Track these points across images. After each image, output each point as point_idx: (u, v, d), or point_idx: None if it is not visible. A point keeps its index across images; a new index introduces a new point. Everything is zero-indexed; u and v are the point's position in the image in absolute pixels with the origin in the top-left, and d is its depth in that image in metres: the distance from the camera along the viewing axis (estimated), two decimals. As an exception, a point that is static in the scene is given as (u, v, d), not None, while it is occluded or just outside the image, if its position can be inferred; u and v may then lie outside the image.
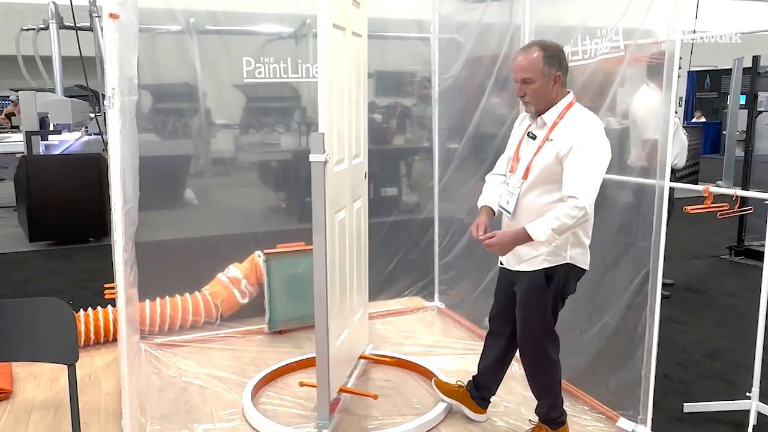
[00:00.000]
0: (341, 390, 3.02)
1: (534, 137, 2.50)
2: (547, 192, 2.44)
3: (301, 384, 3.10)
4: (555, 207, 2.36)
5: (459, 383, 2.99)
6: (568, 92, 2.49)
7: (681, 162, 4.60)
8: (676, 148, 4.24)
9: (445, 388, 2.99)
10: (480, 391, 2.89)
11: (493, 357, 2.82)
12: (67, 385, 1.93)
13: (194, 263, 4.04)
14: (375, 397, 3.03)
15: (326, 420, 2.75)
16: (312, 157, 2.59)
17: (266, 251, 3.97)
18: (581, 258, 2.50)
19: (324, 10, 2.59)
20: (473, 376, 2.91)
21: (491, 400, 2.92)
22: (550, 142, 2.41)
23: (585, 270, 2.54)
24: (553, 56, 2.41)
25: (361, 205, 3.32)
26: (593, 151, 2.35)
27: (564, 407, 2.70)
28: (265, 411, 2.97)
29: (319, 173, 2.61)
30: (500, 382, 2.89)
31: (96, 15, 9.09)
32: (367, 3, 3.28)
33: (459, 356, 3.60)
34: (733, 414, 3.09)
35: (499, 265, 2.72)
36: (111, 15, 2.04)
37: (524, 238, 2.36)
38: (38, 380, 3.34)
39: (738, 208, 2.99)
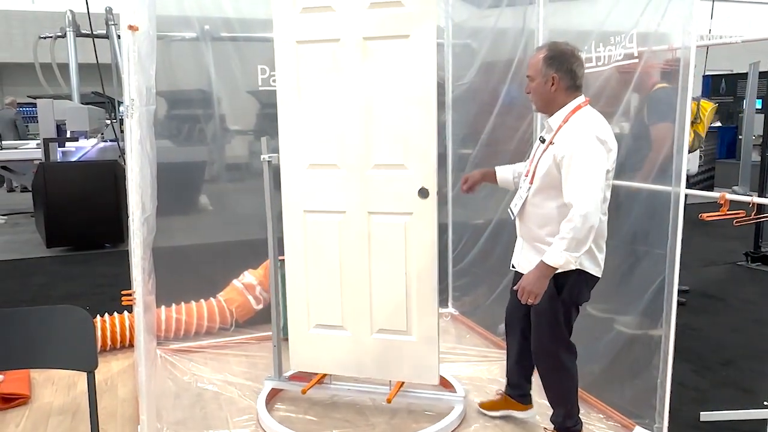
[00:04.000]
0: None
1: (543, 140, 2.51)
2: (551, 198, 2.44)
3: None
4: (558, 213, 2.37)
5: (498, 392, 3.02)
6: (579, 96, 2.46)
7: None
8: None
9: (490, 405, 3.00)
10: (515, 389, 2.92)
11: (514, 357, 2.86)
12: (85, 391, 1.95)
13: (209, 269, 4.06)
14: (303, 392, 3.08)
15: (276, 375, 3.13)
16: (263, 156, 3.06)
17: (281, 257, 3.98)
18: (591, 265, 2.47)
19: (279, 24, 2.87)
20: (506, 379, 2.97)
21: (530, 393, 2.93)
22: (552, 146, 2.42)
23: (597, 277, 2.52)
24: (554, 58, 2.41)
25: (406, 221, 2.87)
26: (585, 156, 2.31)
27: (579, 416, 2.69)
28: (279, 418, 2.99)
29: (266, 171, 3.09)
30: (530, 377, 2.90)
31: (112, 23, 9.20)
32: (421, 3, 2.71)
33: (473, 363, 3.59)
34: (750, 423, 3.06)
35: (511, 267, 2.72)
36: (130, 27, 2.06)
37: (545, 268, 2.32)
38: (56, 385, 3.37)
39: (755, 214, 2.96)
